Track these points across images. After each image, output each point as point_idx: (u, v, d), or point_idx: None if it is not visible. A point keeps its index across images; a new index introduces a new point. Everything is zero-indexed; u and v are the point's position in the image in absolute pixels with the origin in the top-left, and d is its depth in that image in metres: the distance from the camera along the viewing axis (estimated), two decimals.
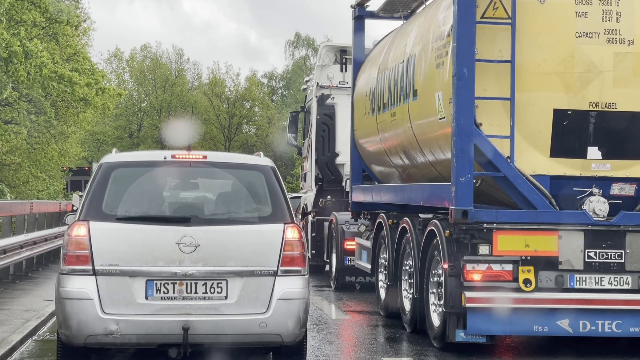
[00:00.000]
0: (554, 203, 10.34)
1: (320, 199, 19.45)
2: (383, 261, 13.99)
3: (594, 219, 10.29)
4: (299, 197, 22.41)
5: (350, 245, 17.25)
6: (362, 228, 15.67)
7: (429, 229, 11.22)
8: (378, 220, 14.18)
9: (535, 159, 10.33)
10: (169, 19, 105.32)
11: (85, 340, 8.27)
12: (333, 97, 19.72)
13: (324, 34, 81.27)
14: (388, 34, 15.45)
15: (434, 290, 11.21)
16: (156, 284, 8.30)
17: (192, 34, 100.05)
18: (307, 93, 21.65)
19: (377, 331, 12.95)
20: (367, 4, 15.82)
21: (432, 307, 11.26)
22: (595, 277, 10.39)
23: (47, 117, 32.69)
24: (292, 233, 8.58)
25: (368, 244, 14.96)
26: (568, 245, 10.34)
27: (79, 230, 8.37)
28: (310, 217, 19.84)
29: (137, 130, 67.26)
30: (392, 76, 13.18)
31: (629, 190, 10.48)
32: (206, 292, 8.36)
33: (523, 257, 10.29)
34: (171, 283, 8.32)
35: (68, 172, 47.38)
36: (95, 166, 9.03)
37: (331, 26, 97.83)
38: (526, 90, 10.27)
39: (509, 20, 10.26)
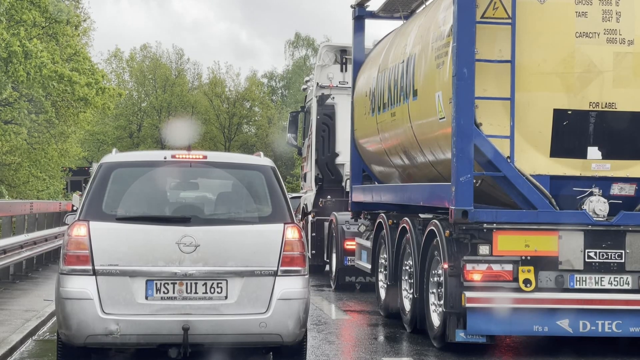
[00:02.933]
0: (554, 203, 10.34)
1: (320, 199, 19.44)
2: (383, 261, 13.99)
3: (594, 219, 10.29)
4: (299, 197, 22.42)
5: (350, 245, 17.25)
6: (362, 228, 15.67)
7: (429, 229, 11.22)
8: (378, 220, 14.18)
9: (535, 159, 10.33)
10: (158, 18, 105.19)
11: (85, 340, 8.27)
12: (333, 97, 19.72)
13: (323, 34, 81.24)
14: (388, 34, 15.45)
15: (434, 290, 11.21)
16: (156, 284, 8.30)
17: (182, 33, 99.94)
18: (307, 93, 21.64)
19: (377, 331, 12.95)
20: (367, 4, 15.82)
21: (432, 307, 11.26)
22: (595, 277, 10.39)
23: (48, 116, 32.69)
24: (292, 233, 8.58)
25: (368, 244, 14.95)
26: (568, 245, 10.34)
27: (79, 230, 8.36)
28: (310, 217, 19.84)
29: (137, 130, 67.26)
30: (392, 76, 13.18)
31: (629, 190, 10.48)
32: (206, 292, 8.36)
33: (523, 257, 10.29)
34: (171, 283, 8.32)
35: (68, 172, 47.37)
36: (95, 166, 9.05)
37: (320, 24, 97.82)
38: (526, 90, 10.27)
39: (509, 20, 10.26)
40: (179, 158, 8.84)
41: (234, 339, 8.45)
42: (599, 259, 10.37)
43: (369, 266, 14.74)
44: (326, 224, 18.91)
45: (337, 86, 19.78)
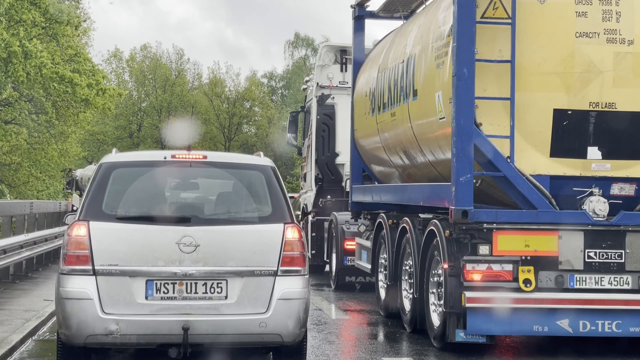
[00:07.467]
0: (554, 203, 10.34)
1: (320, 199, 19.45)
2: (383, 261, 13.99)
3: (594, 219, 10.29)
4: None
5: (350, 245, 17.25)
6: (362, 228, 15.67)
7: (429, 229, 11.22)
8: (378, 220, 14.18)
9: (535, 159, 10.33)
10: (144, 16, 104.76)
11: (85, 340, 8.28)
12: (333, 97, 19.73)
13: (322, 34, 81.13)
14: (388, 34, 15.45)
15: (434, 290, 11.21)
16: (156, 284, 8.30)
17: (168, 32, 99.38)
18: (307, 93, 21.65)
19: (377, 331, 12.95)
20: (367, 4, 15.82)
21: (432, 307, 11.26)
22: (595, 277, 10.39)
23: (49, 117, 32.67)
24: (292, 233, 8.58)
25: (368, 244, 14.96)
26: (568, 245, 10.34)
27: (79, 230, 8.37)
28: (310, 217, 19.84)
29: (137, 130, 67.27)
30: (392, 76, 13.18)
31: (629, 190, 10.48)
32: (206, 292, 8.36)
33: (523, 257, 10.29)
34: (171, 283, 8.32)
35: (68, 172, 47.38)
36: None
37: (316, 24, 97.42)
38: (526, 90, 10.27)
39: (509, 20, 10.26)
40: (179, 158, 8.84)
41: (234, 339, 8.45)
42: (599, 259, 10.37)
43: (369, 266, 14.74)
44: (326, 224, 18.92)
45: (337, 86, 19.79)
